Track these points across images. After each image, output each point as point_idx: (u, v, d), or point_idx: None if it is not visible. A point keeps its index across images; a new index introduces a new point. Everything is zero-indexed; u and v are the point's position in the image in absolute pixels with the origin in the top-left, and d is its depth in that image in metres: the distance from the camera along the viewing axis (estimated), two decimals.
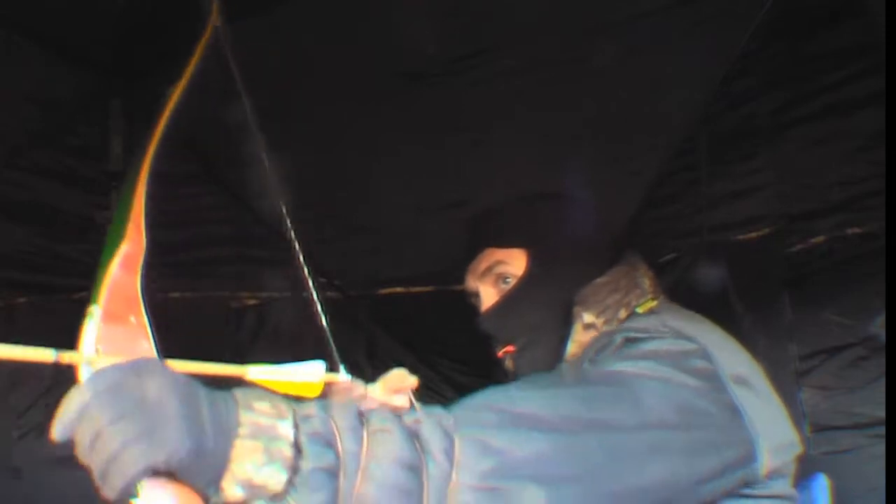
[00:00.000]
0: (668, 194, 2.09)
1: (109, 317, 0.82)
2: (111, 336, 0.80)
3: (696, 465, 1.01)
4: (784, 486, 1.14)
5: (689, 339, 1.12)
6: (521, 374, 1.32)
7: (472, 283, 1.40)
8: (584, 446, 0.92)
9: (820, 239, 1.84)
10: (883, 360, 1.72)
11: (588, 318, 1.28)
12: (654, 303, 1.30)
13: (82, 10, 1.82)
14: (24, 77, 2.04)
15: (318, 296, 1.10)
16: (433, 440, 0.83)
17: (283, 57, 1.87)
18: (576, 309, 1.28)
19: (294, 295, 2.47)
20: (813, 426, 1.82)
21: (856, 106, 1.75)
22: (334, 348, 1.07)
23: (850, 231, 1.80)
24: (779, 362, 1.86)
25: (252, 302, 2.48)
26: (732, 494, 1.07)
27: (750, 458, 1.06)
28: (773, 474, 1.09)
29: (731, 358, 1.14)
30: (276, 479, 0.73)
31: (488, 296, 1.37)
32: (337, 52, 1.85)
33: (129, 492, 0.67)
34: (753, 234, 1.93)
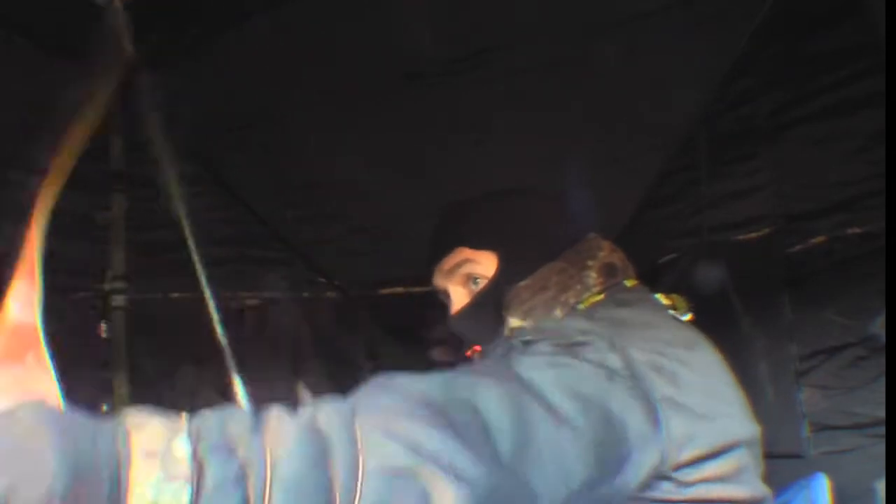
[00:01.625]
0: (668, 194, 2.09)
1: (3, 357, 0.81)
2: (3, 377, 0.79)
3: (600, 454, 0.94)
4: (726, 488, 1.06)
5: (586, 332, 1.06)
6: None
7: (440, 281, 1.38)
8: (476, 436, 0.87)
9: (820, 239, 1.84)
10: (883, 360, 1.72)
11: (513, 322, 1.25)
12: (600, 297, 1.24)
13: (82, 10, 1.83)
14: (23, 77, 2.04)
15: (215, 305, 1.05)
16: (333, 431, 0.80)
17: (284, 57, 1.87)
18: (504, 313, 1.26)
19: (293, 295, 2.48)
20: (813, 426, 1.82)
21: (856, 106, 1.75)
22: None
23: (849, 231, 1.80)
24: (779, 362, 1.86)
25: (252, 302, 2.48)
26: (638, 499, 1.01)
27: (656, 444, 1.00)
28: (683, 469, 1.02)
29: (646, 344, 1.07)
30: (180, 497, 0.70)
31: (458, 295, 1.35)
32: (337, 52, 1.85)
33: None
34: (753, 234, 1.93)
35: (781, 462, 1.45)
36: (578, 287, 1.25)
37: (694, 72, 1.85)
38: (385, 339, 2.51)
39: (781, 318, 1.87)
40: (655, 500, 1.02)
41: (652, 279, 2.05)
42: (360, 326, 2.50)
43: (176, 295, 2.45)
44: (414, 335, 2.51)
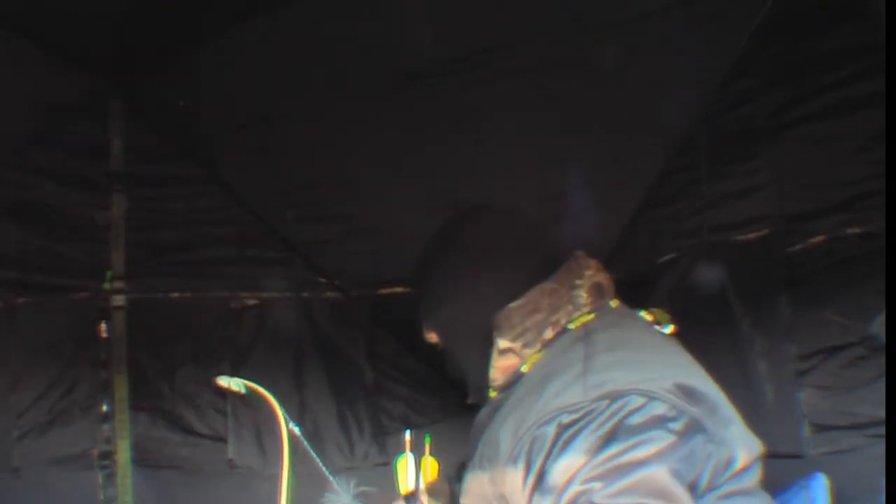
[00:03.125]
0: (668, 194, 2.09)
1: None
2: None
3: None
4: (748, 500, 1.12)
5: (622, 394, 1.06)
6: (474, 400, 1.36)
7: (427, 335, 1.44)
8: None
9: (819, 239, 1.84)
10: (882, 360, 1.72)
11: (503, 343, 1.26)
12: (590, 316, 1.26)
13: (83, 10, 1.83)
14: (25, 77, 2.05)
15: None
16: None
17: (284, 58, 1.88)
18: (493, 334, 1.27)
19: (293, 295, 2.48)
20: (812, 426, 1.82)
21: (856, 106, 1.75)
22: None
23: (849, 231, 1.79)
24: (778, 362, 1.86)
25: (252, 302, 2.49)
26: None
27: (731, 458, 1.08)
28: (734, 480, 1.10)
29: (673, 375, 1.11)
30: None
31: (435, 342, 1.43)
32: (337, 52, 1.85)
33: None
34: (753, 234, 1.93)
35: (781, 462, 1.45)
36: (569, 307, 1.26)
37: (694, 72, 1.85)
38: (385, 338, 2.51)
39: (781, 318, 1.87)
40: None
41: (652, 279, 2.06)
42: (360, 326, 2.50)
43: (176, 295, 2.46)
44: (414, 335, 2.51)
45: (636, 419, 1.03)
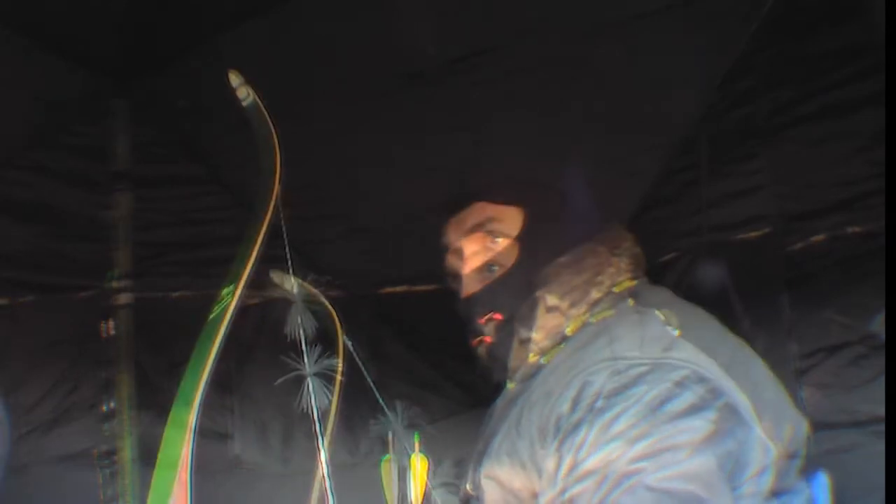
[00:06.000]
0: (668, 194, 2.10)
1: None
2: None
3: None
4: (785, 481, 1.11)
5: (677, 362, 1.05)
6: (496, 353, 1.25)
7: (454, 238, 1.33)
8: None
9: (820, 238, 1.84)
10: (882, 359, 1.72)
11: (551, 300, 1.21)
12: (633, 283, 1.24)
13: (85, 9, 1.84)
14: (27, 77, 2.05)
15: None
16: None
17: (284, 58, 1.88)
18: (539, 292, 1.23)
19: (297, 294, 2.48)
20: (813, 424, 1.82)
21: (856, 106, 1.75)
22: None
23: (849, 230, 1.80)
24: (779, 361, 1.86)
25: (253, 301, 2.49)
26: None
27: (766, 455, 1.06)
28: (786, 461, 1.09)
29: (721, 348, 1.10)
30: None
31: (473, 255, 1.30)
32: (337, 52, 1.86)
33: None
34: (753, 234, 1.93)
35: None
36: (612, 270, 1.24)
37: (694, 72, 1.85)
38: (387, 338, 2.51)
39: (781, 317, 1.87)
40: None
41: (653, 279, 2.05)
42: (362, 325, 2.51)
43: (179, 294, 2.46)
44: (416, 334, 2.52)
45: (681, 403, 1.02)
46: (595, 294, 1.22)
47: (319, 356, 1.20)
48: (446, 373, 2.49)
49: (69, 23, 1.91)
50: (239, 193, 2.43)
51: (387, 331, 2.51)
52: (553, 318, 1.21)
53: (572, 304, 1.21)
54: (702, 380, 1.04)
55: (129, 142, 2.42)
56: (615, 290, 1.23)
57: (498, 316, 1.27)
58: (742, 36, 1.81)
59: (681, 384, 1.03)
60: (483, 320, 1.28)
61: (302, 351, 1.15)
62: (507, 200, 1.29)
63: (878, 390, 1.74)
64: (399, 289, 2.49)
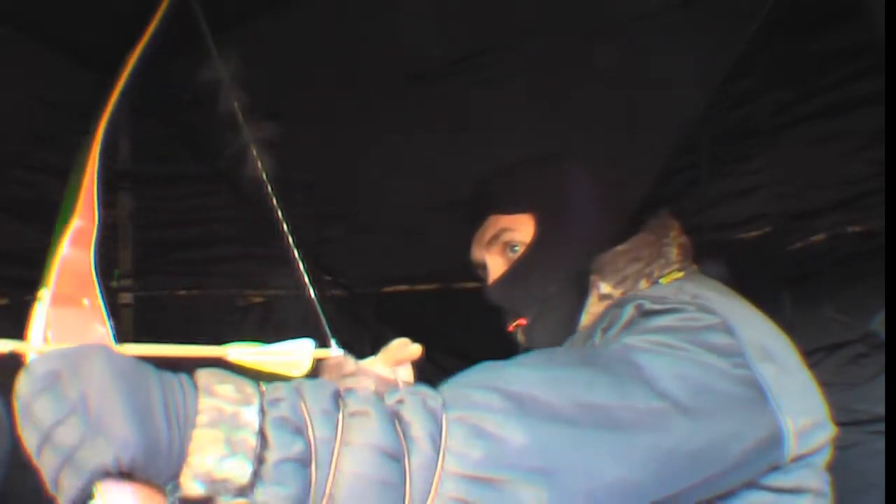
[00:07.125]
0: (668, 194, 2.10)
1: (59, 300, 0.76)
2: (62, 321, 0.74)
3: (715, 455, 0.93)
4: (809, 477, 1.07)
5: (710, 311, 1.03)
6: (534, 348, 1.22)
7: (477, 254, 1.32)
8: (587, 436, 0.82)
9: (820, 237, 1.85)
10: (882, 357, 1.73)
11: (605, 288, 1.20)
12: (681, 274, 1.22)
13: (87, 9, 1.84)
14: (29, 76, 2.06)
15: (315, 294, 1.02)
16: (417, 423, 0.74)
17: (286, 57, 1.88)
18: (592, 278, 1.21)
19: (299, 293, 2.49)
20: None
21: (856, 106, 1.76)
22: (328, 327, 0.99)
23: (849, 229, 1.80)
24: None
25: (257, 300, 2.50)
26: (752, 485, 1.01)
27: (776, 441, 1.00)
28: (799, 460, 1.03)
29: (756, 330, 1.06)
30: (240, 471, 0.65)
31: (496, 266, 1.29)
32: (339, 52, 1.86)
33: (83, 498, 0.63)
34: (754, 233, 1.94)
35: None
36: (662, 261, 1.22)
37: (694, 72, 1.85)
38: (390, 336, 2.52)
39: (782, 316, 1.86)
40: (764, 487, 1.03)
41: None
42: (365, 324, 2.51)
43: (182, 292, 2.47)
44: (419, 333, 2.52)
45: (713, 337, 0.99)
46: (644, 284, 1.20)
47: None
48: (449, 372, 2.49)
49: (72, 22, 1.91)
50: (241, 192, 2.43)
51: (389, 329, 2.51)
52: (603, 304, 1.20)
53: (623, 294, 1.20)
54: (732, 333, 1.01)
55: (132, 141, 2.43)
56: (662, 281, 1.21)
57: (522, 321, 1.27)
58: (742, 36, 1.81)
59: (712, 327, 1.01)
60: (511, 328, 1.29)
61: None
62: (515, 209, 1.29)
63: (878, 389, 1.75)
64: (402, 288, 2.50)
